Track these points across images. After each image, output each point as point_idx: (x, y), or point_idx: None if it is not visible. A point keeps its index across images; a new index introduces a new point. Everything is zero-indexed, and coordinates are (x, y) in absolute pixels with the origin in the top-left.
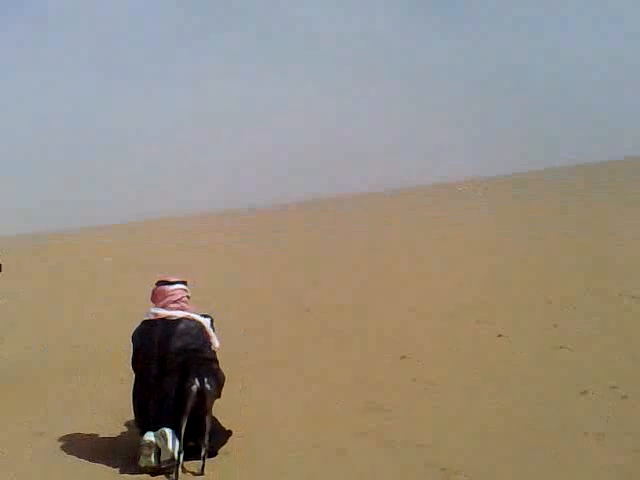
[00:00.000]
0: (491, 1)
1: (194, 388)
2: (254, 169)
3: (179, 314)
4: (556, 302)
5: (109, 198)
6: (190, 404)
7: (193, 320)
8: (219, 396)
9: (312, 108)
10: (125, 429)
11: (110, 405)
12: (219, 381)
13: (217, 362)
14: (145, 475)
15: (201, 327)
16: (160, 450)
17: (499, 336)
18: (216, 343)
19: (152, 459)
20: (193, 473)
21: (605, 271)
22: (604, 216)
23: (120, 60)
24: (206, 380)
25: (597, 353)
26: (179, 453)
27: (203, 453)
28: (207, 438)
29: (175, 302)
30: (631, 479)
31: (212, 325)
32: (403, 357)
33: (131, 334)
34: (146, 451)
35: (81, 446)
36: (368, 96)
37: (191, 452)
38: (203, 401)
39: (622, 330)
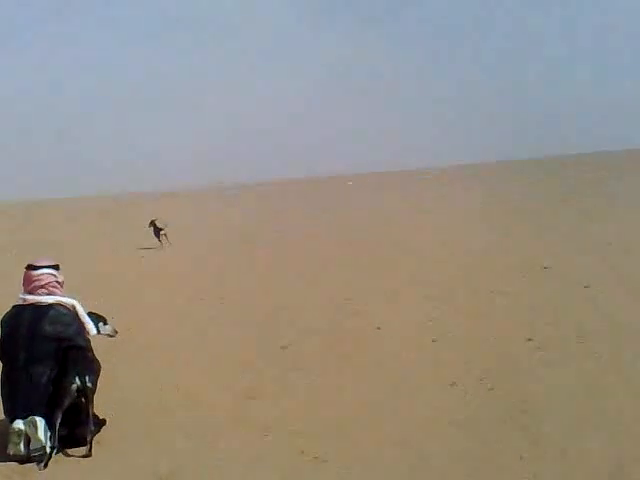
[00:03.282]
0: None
1: (74, 387)
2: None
3: (49, 299)
4: (434, 297)
5: None
6: (68, 401)
7: (64, 306)
8: (96, 385)
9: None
10: None
11: None
12: (96, 373)
13: (91, 350)
14: (14, 463)
15: (74, 313)
16: (30, 438)
17: (378, 329)
18: (92, 330)
19: (21, 447)
20: (82, 456)
21: (480, 268)
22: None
23: None
24: (87, 378)
25: (468, 347)
26: (52, 445)
27: (90, 438)
28: (92, 424)
29: (42, 287)
30: (483, 462)
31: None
32: (284, 347)
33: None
34: (15, 439)
35: None
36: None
37: (61, 440)
38: (85, 397)
39: (491, 326)
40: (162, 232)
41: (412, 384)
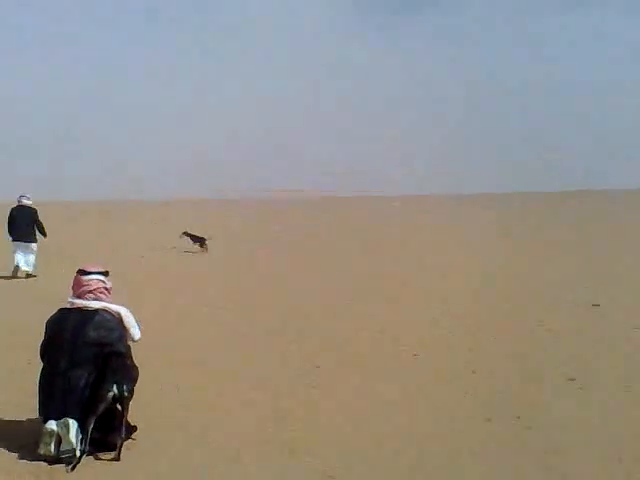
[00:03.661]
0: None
1: (110, 395)
2: None
3: (95, 305)
4: (473, 326)
5: None
6: (103, 408)
7: (110, 312)
8: (133, 392)
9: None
10: (28, 413)
11: (15, 387)
12: (134, 380)
13: (131, 357)
14: (44, 463)
15: (118, 319)
16: (61, 440)
17: (414, 355)
18: (136, 335)
19: (52, 448)
20: (110, 460)
21: (527, 301)
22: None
23: None
24: (125, 387)
25: (506, 380)
26: (82, 448)
27: (120, 443)
28: (124, 431)
29: (90, 292)
30: (483, 463)
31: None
32: (317, 367)
33: (46, 320)
34: (47, 439)
35: None
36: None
37: (92, 444)
38: (121, 404)
39: (534, 359)
40: (205, 241)
41: (447, 416)
